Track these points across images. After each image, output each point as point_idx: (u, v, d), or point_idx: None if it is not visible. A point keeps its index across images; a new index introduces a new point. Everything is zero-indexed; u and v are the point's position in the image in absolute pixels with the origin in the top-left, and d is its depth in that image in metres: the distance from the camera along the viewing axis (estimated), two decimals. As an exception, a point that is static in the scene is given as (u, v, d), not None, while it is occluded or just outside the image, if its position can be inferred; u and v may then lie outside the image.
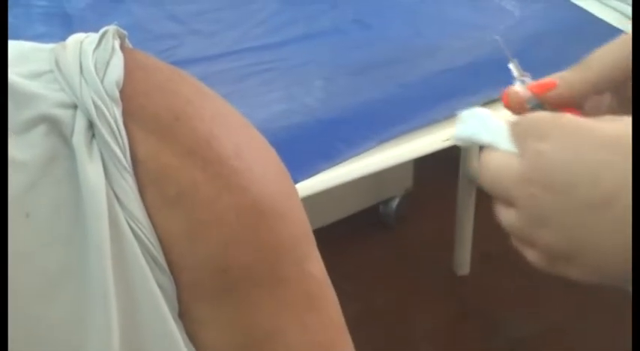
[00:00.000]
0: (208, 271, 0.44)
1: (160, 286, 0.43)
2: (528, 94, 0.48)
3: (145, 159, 0.43)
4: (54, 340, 0.40)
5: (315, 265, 0.49)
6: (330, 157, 0.84)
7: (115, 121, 0.42)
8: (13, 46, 0.47)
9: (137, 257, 0.42)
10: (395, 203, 1.97)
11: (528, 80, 0.48)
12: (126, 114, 0.43)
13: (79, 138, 0.42)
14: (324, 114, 0.88)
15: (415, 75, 0.95)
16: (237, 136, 0.47)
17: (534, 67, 0.95)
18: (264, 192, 0.46)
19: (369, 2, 1.09)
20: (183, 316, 0.44)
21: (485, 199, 0.47)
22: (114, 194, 0.42)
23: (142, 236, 0.42)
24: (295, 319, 0.46)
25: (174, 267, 0.43)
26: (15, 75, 0.44)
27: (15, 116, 0.43)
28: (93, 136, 0.42)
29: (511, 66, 0.49)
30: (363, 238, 1.95)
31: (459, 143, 0.50)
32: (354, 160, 0.86)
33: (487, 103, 0.93)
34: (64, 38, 0.47)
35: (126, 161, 0.42)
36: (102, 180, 0.41)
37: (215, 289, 0.44)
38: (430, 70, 0.96)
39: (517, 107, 0.48)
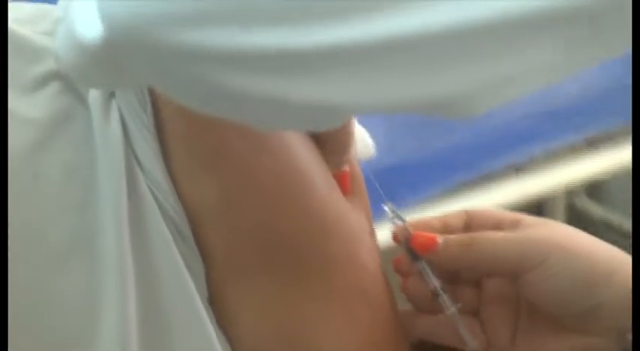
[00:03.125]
0: (245, 244, 0.38)
1: (186, 264, 0.37)
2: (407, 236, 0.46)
3: (170, 119, 0.38)
4: (66, 313, 0.36)
5: (370, 255, 0.43)
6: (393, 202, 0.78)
7: None
8: (35, 7, 0.44)
9: (159, 226, 0.37)
10: None
11: (400, 222, 0.46)
12: None
13: (95, 94, 0.38)
14: (388, 159, 0.84)
15: (487, 123, 0.90)
16: None
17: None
18: (310, 158, 0.40)
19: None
20: (215, 301, 0.39)
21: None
22: (134, 156, 0.37)
23: (166, 205, 0.37)
24: (345, 310, 0.40)
25: (205, 242, 0.38)
26: (29, 32, 0.40)
27: (25, 73, 0.39)
28: (112, 95, 0.38)
29: (386, 208, 0.47)
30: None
31: None
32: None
33: (568, 151, 0.88)
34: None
35: (148, 121, 0.38)
36: (120, 140, 0.37)
37: (252, 264, 0.39)
38: (502, 119, 0.91)
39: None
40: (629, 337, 0.40)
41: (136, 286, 0.36)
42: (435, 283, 0.44)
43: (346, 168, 0.45)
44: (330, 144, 0.43)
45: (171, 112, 0.38)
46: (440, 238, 0.44)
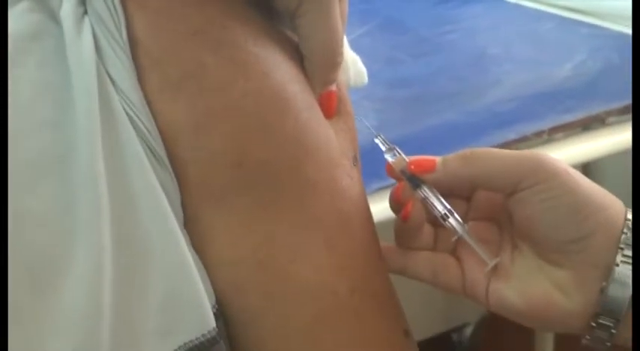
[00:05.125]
0: (220, 165, 0.38)
1: (161, 185, 0.37)
2: (404, 166, 0.45)
3: (144, 38, 0.38)
4: (39, 231, 0.35)
5: (351, 181, 0.42)
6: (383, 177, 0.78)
7: None
8: None
9: (133, 144, 0.36)
10: (469, 331, 1.80)
11: (396, 153, 0.46)
12: None
13: (66, 10, 0.37)
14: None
15: (478, 104, 0.90)
16: (256, 25, 0.41)
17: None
18: (289, 80, 0.39)
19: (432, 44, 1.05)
20: (190, 224, 0.38)
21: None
22: (107, 75, 0.37)
23: (139, 123, 0.37)
24: (322, 238, 0.39)
25: (179, 163, 0.38)
26: None
27: None
28: (85, 12, 0.38)
29: (377, 141, 0.47)
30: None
31: None
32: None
33: (555, 128, 0.88)
34: None
35: (121, 39, 0.37)
36: (92, 57, 0.36)
37: (228, 187, 0.38)
38: (494, 99, 0.91)
39: (398, 177, 0.46)
40: (618, 270, 0.40)
41: (110, 206, 0.35)
42: (442, 205, 0.44)
43: (333, 88, 0.44)
44: (318, 57, 0.42)
45: (143, 33, 0.38)
46: (438, 159, 0.44)
